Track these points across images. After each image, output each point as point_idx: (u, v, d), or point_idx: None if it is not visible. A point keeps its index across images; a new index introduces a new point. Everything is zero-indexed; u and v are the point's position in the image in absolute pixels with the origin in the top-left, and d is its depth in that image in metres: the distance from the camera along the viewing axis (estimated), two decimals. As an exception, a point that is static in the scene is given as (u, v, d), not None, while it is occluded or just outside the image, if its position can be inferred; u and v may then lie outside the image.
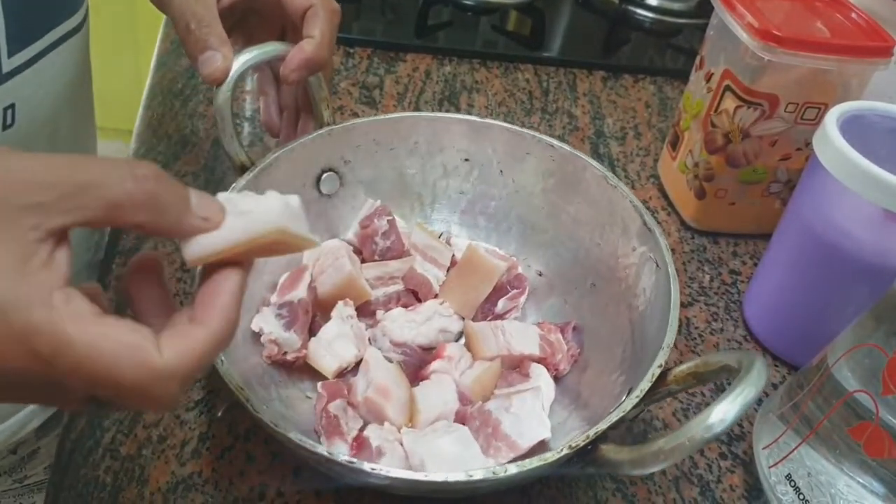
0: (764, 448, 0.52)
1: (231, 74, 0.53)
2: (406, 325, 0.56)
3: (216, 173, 0.69)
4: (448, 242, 0.62)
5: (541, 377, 0.52)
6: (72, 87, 0.57)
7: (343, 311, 0.56)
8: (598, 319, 0.54)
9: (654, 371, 0.43)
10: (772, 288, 0.63)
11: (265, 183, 0.55)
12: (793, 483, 0.49)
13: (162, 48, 0.84)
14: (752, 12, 0.64)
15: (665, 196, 0.76)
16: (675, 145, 0.75)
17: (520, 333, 0.54)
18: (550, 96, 0.87)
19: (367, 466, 0.39)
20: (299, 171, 0.59)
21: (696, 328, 0.64)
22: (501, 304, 0.57)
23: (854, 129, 0.57)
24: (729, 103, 0.66)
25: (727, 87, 0.66)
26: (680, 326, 0.64)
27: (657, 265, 0.50)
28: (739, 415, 0.37)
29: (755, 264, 0.71)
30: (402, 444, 0.47)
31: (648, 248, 0.52)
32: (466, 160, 0.62)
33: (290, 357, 0.53)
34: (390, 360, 0.53)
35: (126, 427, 0.51)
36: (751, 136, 0.67)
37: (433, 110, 0.82)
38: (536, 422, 0.48)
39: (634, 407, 0.42)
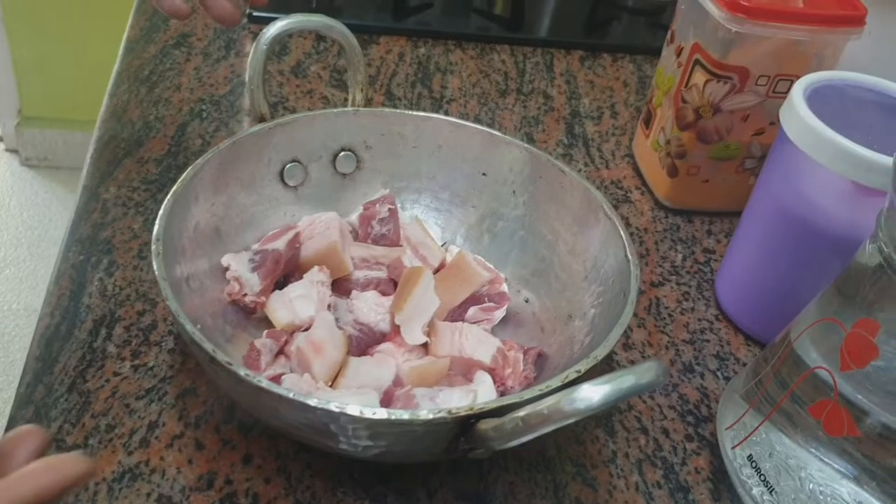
0: (727, 428, 0.51)
1: (273, 31, 0.56)
2: (374, 307, 0.55)
3: (178, 159, 0.68)
4: (447, 250, 0.62)
5: (483, 384, 0.50)
6: None
7: (315, 276, 0.56)
8: (565, 349, 0.53)
9: (570, 374, 0.42)
10: (742, 265, 0.61)
11: (280, 138, 0.58)
12: (755, 465, 0.48)
13: (131, 34, 0.83)
14: (720, -17, 0.62)
15: (640, 175, 0.74)
16: (648, 123, 0.73)
17: (478, 339, 0.53)
18: (526, 77, 0.86)
19: (263, 382, 0.40)
20: (316, 141, 0.60)
21: (667, 308, 0.63)
22: (472, 312, 0.56)
23: (823, 100, 0.55)
24: (699, 77, 0.65)
25: (697, 61, 0.65)
26: (649, 306, 0.63)
27: (623, 296, 0.48)
28: (609, 398, 0.35)
29: (729, 242, 0.69)
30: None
31: (622, 280, 0.50)
32: (484, 174, 0.61)
33: (248, 299, 0.54)
34: (342, 330, 0.53)
35: (73, 416, 0.50)
36: (722, 110, 0.65)
37: (405, 93, 0.80)
38: None
39: (536, 397, 0.40)
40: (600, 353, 0.44)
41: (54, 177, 2.08)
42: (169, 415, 0.51)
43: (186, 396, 0.52)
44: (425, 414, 0.39)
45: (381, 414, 0.38)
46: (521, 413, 0.37)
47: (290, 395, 0.39)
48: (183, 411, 0.51)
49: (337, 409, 0.39)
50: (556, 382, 0.41)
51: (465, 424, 0.40)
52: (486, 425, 0.39)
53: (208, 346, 0.42)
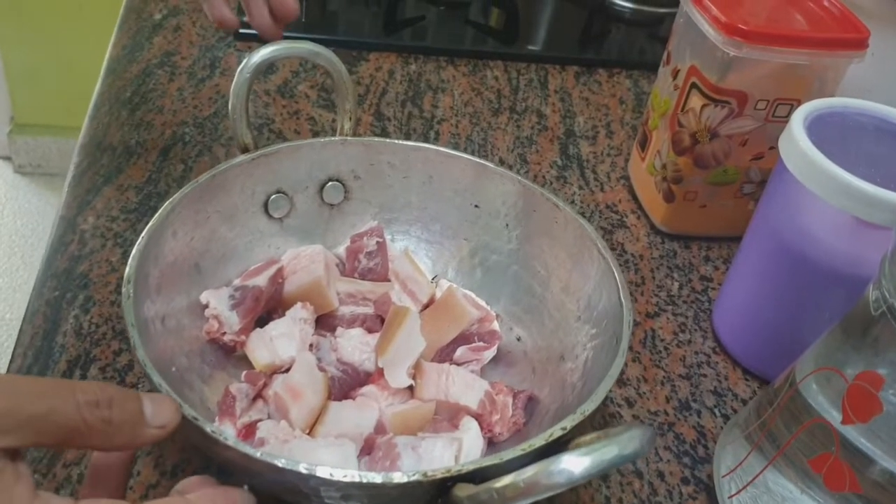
0: (724, 476, 0.49)
1: (257, 59, 0.54)
2: (359, 346, 0.53)
3: (159, 186, 0.66)
4: (437, 284, 0.60)
5: (469, 432, 0.48)
6: None
7: (297, 313, 0.54)
8: (556, 393, 0.51)
9: (555, 432, 0.40)
10: (740, 298, 0.59)
11: (263, 169, 0.56)
12: (754, 515, 0.46)
13: (113, 53, 0.81)
14: (717, 5, 0.60)
15: (635, 198, 0.72)
16: (643, 145, 0.71)
17: (465, 383, 0.50)
18: (520, 94, 0.84)
19: (207, 427, 0.38)
20: (302, 172, 0.58)
21: (662, 340, 0.61)
22: (460, 352, 0.54)
23: (824, 128, 0.53)
24: (695, 101, 0.63)
25: (693, 85, 0.63)
26: (645, 339, 0.61)
27: (616, 342, 0.46)
28: (590, 471, 0.33)
29: (728, 269, 0.67)
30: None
31: (615, 323, 0.48)
32: (476, 206, 0.59)
33: (227, 338, 0.52)
34: (324, 371, 0.51)
35: (44, 466, 0.48)
36: (720, 135, 0.63)
37: (395, 113, 0.78)
38: None
39: (517, 458, 0.38)
40: (588, 407, 0.41)
41: (48, 184, 2.06)
42: (144, 462, 0.49)
43: (163, 443, 0.50)
44: (399, 477, 0.37)
45: (353, 477, 0.37)
46: (497, 485, 0.35)
47: (257, 455, 0.37)
48: (159, 459, 0.49)
49: (306, 471, 0.37)
50: (539, 441, 0.39)
51: (441, 487, 0.38)
52: (462, 492, 0.37)
53: (189, 411, 0.39)
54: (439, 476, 0.37)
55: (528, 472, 0.34)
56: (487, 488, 0.35)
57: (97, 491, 0.39)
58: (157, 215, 0.49)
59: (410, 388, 0.51)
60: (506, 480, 0.35)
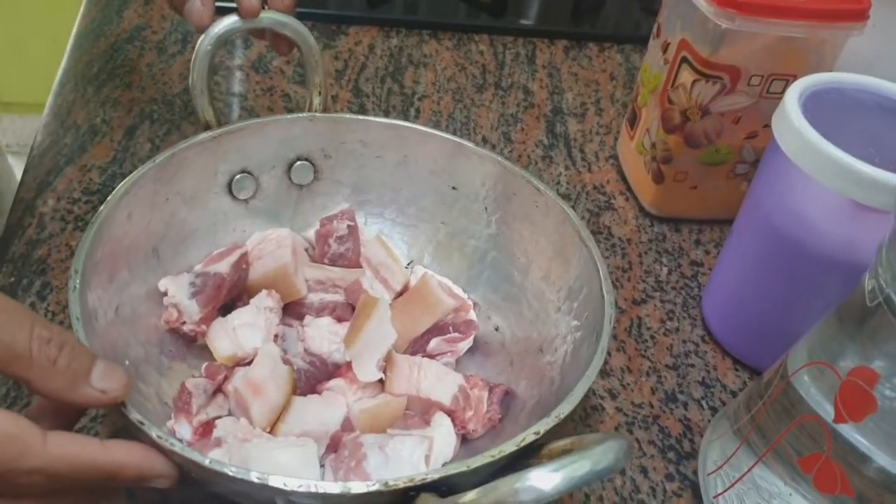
0: (710, 473, 0.46)
1: (219, 30, 0.51)
2: (328, 337, 0.50)
3: (124, 166, 0.63)
4: (412, 270, 0.57)
5: (441, 429, 0.46)
6: None
7: (262, 301, 0.51)
8: (533, 388, 0.48)
9: (528, 437, 0.37)
10: (731, 284, 0.56)
11: (227, 148, 0.53)
12: (740, 515, 0.43)
13: (81, 28, 0.77)
14: (709, -27, 0.57)
15: (624, 179, 0.69)
16: (633, 123, 0.68)
17: (437, 377, 0.48)
18: (506, 70, 0.80)
19: (153, 433, 0.35)
20: (268, 150, 0.55)
21: (649, 329, 0.58)
22: (434, 344, 0.51)
23: (820, 106, 0.50)
24: (686, 77, 0.59)
25: (684, 59, 0.59)
26: (630, 327, 0.58)
27: (596, 338, 0.43)
28: (562, 488, 0.31)
29: (719, 253, 0.64)
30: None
31: (595, 317, 0.45)
32: (454, 189, 0.56)
33: (187, 328, 0.49)
34: (289, 364, 0.48)
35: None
36: (711, 112, 0.60)
37: (374, 89, 0.75)
38: (409, 469, 0.42)
39: (486, 465, 0.36)
40: (563, 410, 0.39)
41: (35, 163, 2.03)
42: (99, 459, 0.46)
43: (119, 436, 0.47)
44: (358, 486, 0.34)
45: (308, 487, 0.34)
46: (461, 500, 0.32)
47: (206, 463, 0.35)
48: (114, 455, 0.47)
49: (258, 481, 0.34)
50: (510, 447, 0.36)
51: (405, 496, 0.35)
52: (425, 503, 0.34)
53: (135, 416, 0.37)
54: (402, 486, 0.34)
55: (494, 489, 0.31)
56: (452, 502, 0.33)
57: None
58: (109, 198, 0.46)
59: (381, 381, 0.49)
60: (469, 496, 0.32)
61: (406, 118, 0.72)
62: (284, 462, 0.41)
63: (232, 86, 0.73)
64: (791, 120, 0.48)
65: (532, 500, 0.30)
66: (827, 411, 0.39)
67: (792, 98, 0.50)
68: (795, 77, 0.58)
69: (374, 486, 0.34)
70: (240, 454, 0.41)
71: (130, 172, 0.62)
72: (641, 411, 0.53)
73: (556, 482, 0.30)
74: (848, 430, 0.38)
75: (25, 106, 1.98)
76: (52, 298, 0.54)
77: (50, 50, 1.86)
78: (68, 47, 0.75)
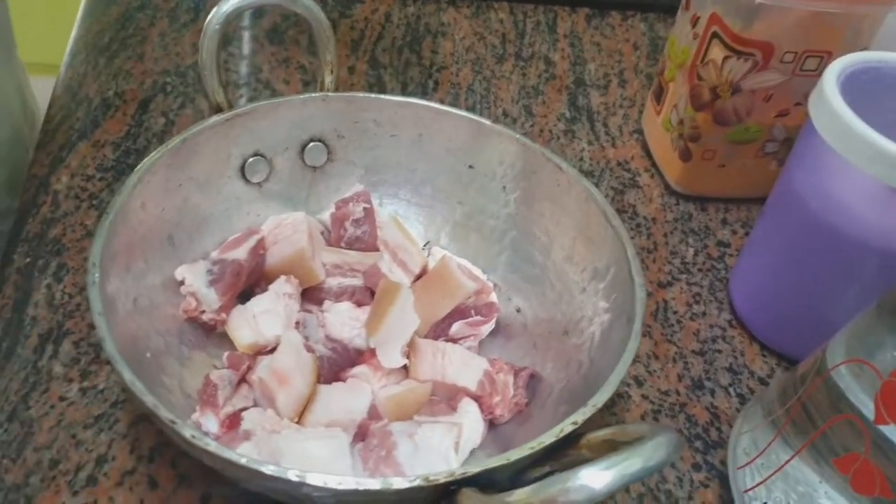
0: (741, 467, 0.46)
1: (227, 8, 0.50)
2: (349, 322, 0.49)
3: (138, 142, 0.62)
4: (429, 251, 0.56)
5: (468, 415, 0.45)
6: None
7: (281, 288, 0.50)
8: (560, 372, 0.47)
9: (566, 427, 0.36)
10: (761, 268, 0.55)
11: (239, 130, 0.51)
12: (772, 510, 0.43)
13: (91, -6, 0.75)
14: (743, -56, 0.54)
15: (649, 155, 0.68)
16: (659, 98, 0.66)
17: (462, 362, 0.47)
18: (527, 39, 0.78)
19: (187, 432, 0.35)
20: (281, 132, 0.53)
21: (675, 312, 0.57)
22: (457, 328, 0.50)
23: (859, 86, 0.48)
24: (716, 53, 0.57)
25: (714, 34, 0.57)
26: (656, 311, 0.57)
27: (628, 320, 0.42)
28: (614, 486, 0.30)
29: (746, 234, 0.63)
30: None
31: (625, 299, 0.44)
32: (471, 167, 0.54)
33: (206, 317, 0.48)
34: (312, 352, 0.47)
35: (14, 450, 0.45)
36: (742, 90, 0.58)
37: (391, 60, 0.73)
38: (439, 458, 0.41)
39: (526, 457, 0.35)
40: (600, 399, 0.38)
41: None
42: (120, 446, 0.46)
43: (140, 424, 0.47)
44: (399, 483, 0.34)
45: (349, 484, 0.33)
46: (509, 500, 0.32)
47: (243, 462, 0.34)
48: (136, 442, 0.46)
49: (297, 479, 0.33)
50: (549, 438, 0.36)
51: (445, 491, 0.34)
52: (468, 501, 0.33)
53: (149, 400, 0.36)
54: (442, 480, 0.34)
55: (544, 488, 0.31)
56: (500, 501, 0.32)
57: None
58: (123, 187, 0.45)
59: (405, 367, 0.48)
60: (519, 495, 0.32)
61: (424, 91, 0.70)
62: (316, 454, 0.41)
63: (248, 57, 0.71)
64: (828, 102, 0.47)
65: (584, 499, 0.30)
66: (868, 411, 0.38)
67: (830, 79, 0.48)
68: (830, 54, 0.56)
69: (415, 482, 0.33)
70: (269, 447, 0.40)
71: (145, 148, 0.62)
72: (668, 399, 0.52)
73: (608, 480, 0.30)
74: (891, 432, 0.37)
75: (39, 66, 1.95)
76: (68, 280, 0.53)
77: (60, 13, 1.83)
78: (79, 15, 0.73)
